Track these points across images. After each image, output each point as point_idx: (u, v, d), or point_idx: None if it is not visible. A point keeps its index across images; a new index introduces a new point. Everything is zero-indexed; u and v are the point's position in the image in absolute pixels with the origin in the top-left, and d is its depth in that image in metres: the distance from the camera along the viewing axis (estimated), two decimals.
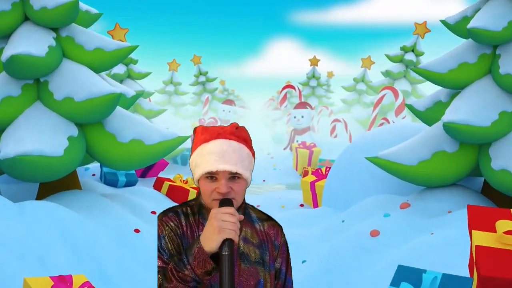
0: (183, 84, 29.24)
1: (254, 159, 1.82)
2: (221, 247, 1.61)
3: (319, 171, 10.03)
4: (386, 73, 18.90)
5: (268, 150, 23.27)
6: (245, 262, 1.80)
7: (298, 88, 21.64)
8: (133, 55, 16.32)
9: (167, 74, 26.54)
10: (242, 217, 1.67)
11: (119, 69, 15.47)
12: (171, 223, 1.78)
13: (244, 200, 1.83)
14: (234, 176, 1.72)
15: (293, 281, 1.93)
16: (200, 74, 30.24)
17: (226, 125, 1.87)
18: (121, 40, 15.85)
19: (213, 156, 1.71)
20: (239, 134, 1.78)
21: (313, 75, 29.73)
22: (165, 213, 1.81)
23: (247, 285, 1.78)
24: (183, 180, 8.81)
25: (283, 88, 21.39)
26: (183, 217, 1.80)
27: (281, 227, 1.93)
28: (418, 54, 19.11)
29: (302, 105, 18.69)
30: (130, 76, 15.75)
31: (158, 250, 1.75)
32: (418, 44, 19.17)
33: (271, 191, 12.99)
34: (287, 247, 1.93)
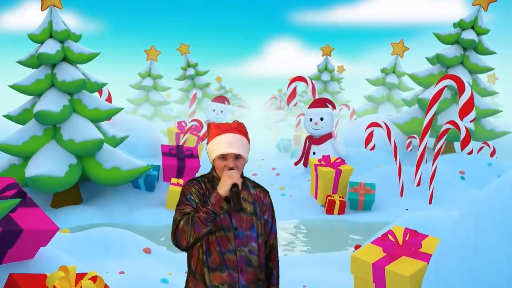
0: (166, 77, 24.02)
1: (249, 144, 2.86)
2: (231, 188, 2.63)
3: (391, 236, 4.73)
4: (437, 59, 13.54)
5: (272, 162, 17.96)
6: (244, 213, 2.81)
7: (311, 81, 16.24)
8: (75, 30, 11.05)
9: (145, 65, 21.22)
10: (241, 180, 2.70)
11: (49, 47, 10.17)
12: (196, 186, 2.80)
13: (242, 173, 2.85)
14: (237, 157, 2.76)
15: (276, 229, 2.96)
16: (189, 66, 24.92)
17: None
18: (56, 6, 10.55)
19: (224, 144, 2.75)
20: (240, 129, 2.83)
21: (326, 67, 24.41)
22: (191, 180, 2.84)
23: (245, 228, 2.78)
24: (76, 277, 3.51)
25: (291, 82, 15.99)
26: (203, 184, 2.83)
27: (268, 191, 2.97)
28: (481, 32, 13.78)
29: (321, 102, 13.36)
30: (67, 58, 10.46)
31: (185, 202, 2.74)
32: (480, 19, 13.85)
33: (281, 248, 7.78)
34: (272, 205, 2.97)
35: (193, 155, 11.48)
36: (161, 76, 21.14)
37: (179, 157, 11.33)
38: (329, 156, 11.13)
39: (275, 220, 2.95)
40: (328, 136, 13.27)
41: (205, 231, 2.60)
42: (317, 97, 16.19)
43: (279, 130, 28.16)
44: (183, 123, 14.30)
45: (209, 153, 2.81)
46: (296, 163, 13.42)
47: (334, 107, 13.27)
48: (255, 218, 2.82)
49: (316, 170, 11.00)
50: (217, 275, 2.70)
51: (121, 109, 10.86)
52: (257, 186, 2.93)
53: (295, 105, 16.15)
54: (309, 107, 13.54)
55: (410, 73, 14.21)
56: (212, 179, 2.84)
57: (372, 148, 11.30)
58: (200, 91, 24.85)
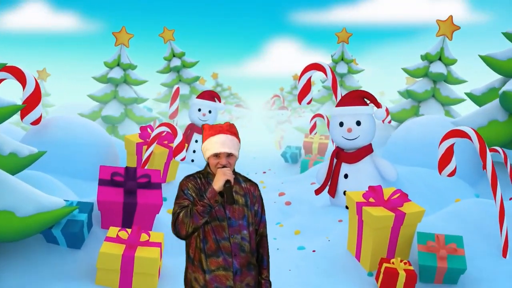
0: (149, 71, 19.47)
1: (240, 142, 3.21)
2: (225, 184, 2.99)
3: None
4: None
5: (277, 179, 13.37)
6: (236, 204, 3.17)
7: (331, 70, 11.58)
8: None
9: (113, 52, 16.60)
10: (233, 176, 3.06)
11: None
12: (193, 182, 3.18)
13: (234, 169, 3.20)
14: (229, 155, 3.12)
15: (266, 219, 3.36)
16: (173, 56, 20.36)
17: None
18: None
19: (218, 144, 3.10)
20: (231, 130, 3.18)
21: (342, 58, 19.84)
22: (187, 176, 3.21)
23: (238, 218, 3.16)
24: None
25: (305, 71, 11.29)
26: (198, 179, 3.20)
27: (257, 185, 3.35)
28: None
29: (356, 98, 8.74)
30: None
31: (183, 196, 3.12)
32: None
33: None
34: (261, 197, 3.35)
35: (150, 184, 6.85)
36: (134, 66, 16.52)
37: (127, 189, 6.72)
38: (380, 187, 6.53)
39: (264, 211, 3.35)
40: (367, 149, 8.66)
41: (202, 222, 3.00)
42: (339, 92, 11.56)
43: (283, 134, 23.51)
44: (148, 129, 9.70)
45: (203, 151, 3.18)
46: (317, 192, 8.79)
47: (377, 104, 8.66)
48: (246, 209, 3.22)
49: (360, 211, 6.41)
50: (213, 260, 3.10)
51: (16, 107, 6.22)
52: (247, 180, 3.35)
53: (309, 103, 11.46)
54: (337, 105, 8.93)
55: (484, 54, 9.61)
56: (206, 174, 3.23)
57: (452, 174, 6.72)
58: (187, 86, 20.29)
